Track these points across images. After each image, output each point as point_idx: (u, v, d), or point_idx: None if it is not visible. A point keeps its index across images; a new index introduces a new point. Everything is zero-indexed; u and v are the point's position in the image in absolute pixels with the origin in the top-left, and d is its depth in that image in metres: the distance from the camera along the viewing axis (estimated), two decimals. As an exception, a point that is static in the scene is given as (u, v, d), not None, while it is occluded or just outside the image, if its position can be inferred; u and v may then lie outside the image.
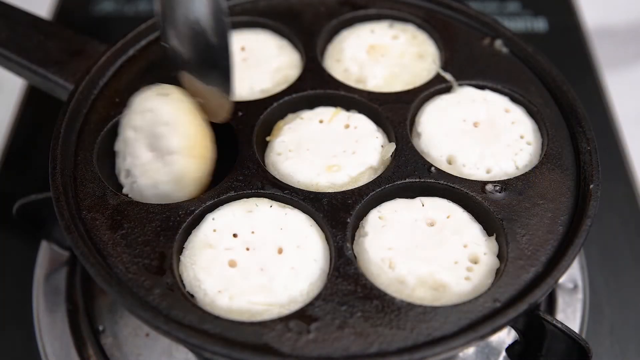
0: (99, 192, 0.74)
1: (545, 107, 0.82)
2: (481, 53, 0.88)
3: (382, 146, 0.79)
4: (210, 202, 0.73)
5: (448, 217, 0.73)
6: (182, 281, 0.69)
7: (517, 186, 0.74)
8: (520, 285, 0.67)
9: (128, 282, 0.67)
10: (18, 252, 0.98)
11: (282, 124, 0.82)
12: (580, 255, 0.95)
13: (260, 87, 0.86)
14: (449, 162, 0.78)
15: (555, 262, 0.68)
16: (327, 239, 0.71)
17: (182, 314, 0.64)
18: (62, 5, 1.35)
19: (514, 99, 0.84)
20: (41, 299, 0.90)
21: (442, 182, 0.75)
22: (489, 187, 0.74)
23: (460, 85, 0.85)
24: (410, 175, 0.75)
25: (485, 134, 0.80)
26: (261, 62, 0.89)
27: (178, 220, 0.71)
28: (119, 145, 0.77)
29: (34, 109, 1.17)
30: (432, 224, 0.73)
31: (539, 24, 1.32)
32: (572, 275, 0.92)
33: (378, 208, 0.74)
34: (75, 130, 0.79)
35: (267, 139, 0.81)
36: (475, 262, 0.70)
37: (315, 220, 0.73)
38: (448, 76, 0.85)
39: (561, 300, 0.90)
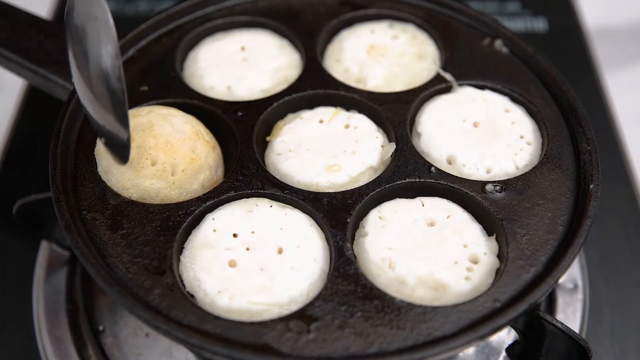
0: (99, 192, 0.74)
1: (545, 107, 0.82)
2: (481, 53, 0.88)
3: (382, 146, 0.79)
4: (210, 202, 0.73)
5: (448, 217, 0.73)
6: (182, 281, 0.69)
7: (517, 186, 0.74)
8: (520, 285, 0.67)
9: (128, 282, 0.67)
10: (18, 252, 0.98)
11: (282, 124, 0.82)
12: (580, 255, 0.95)
13: (260, 87, 0.86)
14: (449, 162, 0.78)
15: (555, 262, 0.68)
16: (327, 239, 0.71)
17: (182, 314, 0.64)
18: (62, 5, 1.35)
19: (514, 99, 0.84)
20: (41, 299, 0.90)
21: (442, 182, 0.75)
22: (489, 187, 0.74)
23: (460, 85, 0.85)
24: (410, 175, 0.75)
25: (485, 134, 0.80)
26: (261, 62, 0.89)
27: (178, 220, 0.71)
28: None
29: (34, 109, 1.17)
30: (432, 224, 0.73)
31: (539, 24, 1.32)
32: (572, 275, 0.92)
33: (378, 208, 0.74)
34: (75, 130, 0.79)
35: (267, 139, 0.81)
36: (475, 262, 0.70)
37: (315, 220, 0.73)
38: (448, 76, 0.85)
39: (561, 300, 0.90)
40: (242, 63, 0.89)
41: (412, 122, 0.82)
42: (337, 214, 0.72)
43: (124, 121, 0.65)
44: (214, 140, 0.79)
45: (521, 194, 0.74)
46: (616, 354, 0.90)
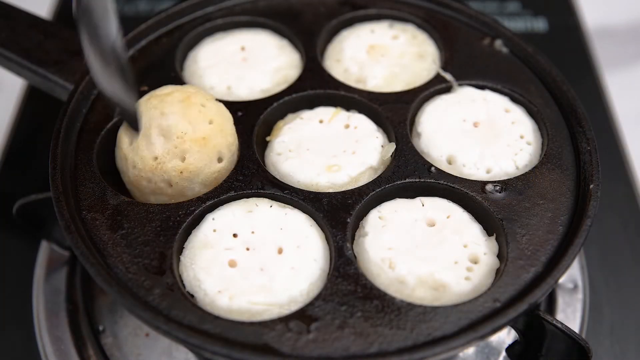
0: (99, 192, 0.74)
1: (545, 107, 0.82)
2: (481, 53, 0.88)
3: (382, 146, 0.79)
4: (210, 202, 0.73)
5: (448, 217, 0.73)
6: (182, 281, 0.69)
7: (517, 186, 0.74)
8: (520, 285, 0.67)
9: (128, 282, 0.67)
10: (18, 252, 0.98)
11: (282, 124, 0.82)
12: (580, 255, 0.95)
13: (260, 87, 0.86)
14: (449, 162, 0.78)
15: (555, 262, 0.68)
16: (327, 239, 0.71)
17: (182, 314, 0.64)
18: (62, 5, 1.35)
19: (514, 99, 0.84)
20: (41, 299, 0.90)
21: (442, 182, 0.75)
22: (489, 187, 0.74)
23: (460, 85, 0.85)
24: (410, 175, 0.75)
25: (485, 134, 0.80)
26: (261, 62, 0.89)
27: (178, 220, 0.71)
28: None
29: (34, 109, 1.17)
30: (432, 224, 0.73)
31: (539, 24, 1.32)
32: (572, 275, 0.92)
33: (378, 208, 0.74)
34: (75, 130, 0.79)
35: (267, 139, 0.81)
36: (475, 262, 0.70)
37: (315, 220, 0.73)
38: (448, 76, 0.85)
39: (561, 300, 0.90)
40: (242, 63, 0.89)
41: (412, 122, 0.82)
42: (337, 214, 0.72)
43: (132, 91, 0.68)
44: (211, 129, 0.75)
45: (521, 194, 0.74)
46: (616, 354, 0.90)
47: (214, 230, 0.71)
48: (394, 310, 0.65)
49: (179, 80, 0.85)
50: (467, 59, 0.87)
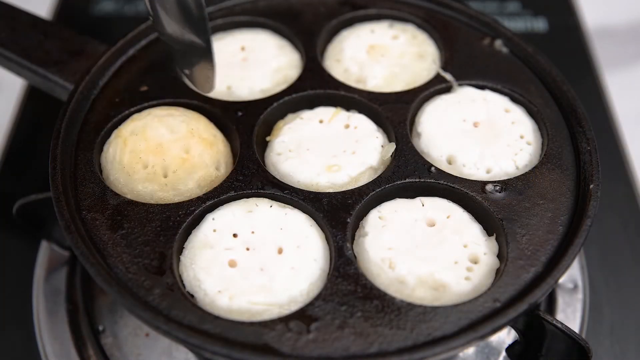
0: (99, 192, 0.74)
1: (545, 107, 0.82)
2: (481, 53, 0.88)
3: (382, 146, 0.79)
4: (210, 202, 0.73)
5: (448, 217, 0.73)
6: (182, 281, 0.69)
7: (517, 186, 0.74)
8: (520, 285, 0.67)
9: (128, 282, 0.67)
10: (18, 252, 0.98)
11: (282, 124, 0.82)
12: (580, 255, 0.95)
13: (260, 87, 0.86)
14: (449, 162, 0.78)
15: (555, 262, 0.68)
16: (327, 239, 0.71)
17: (182, 314, 0.64)
18: (62, 5, 1.35)
19: (514, 99, 0.84)
20: (41, 299, 0.90)
21: (442, 182, 0.75)
22: (489, 187, 0.74)
23: (460, 85, 0.85)
24: (410, 175, 0.75)
25: (485, 134, 0.80)
26: (261, 62, 0.89)
27: (178, 220, 0.71)
28: None
29: (34, 109, 1.17)
30: (432, 224, 0.73)
31: (539, 24, 1.32)
32: (572, 275, 0.92)
33: (378, 208, 0.74)
34: (75, 130, 0.79)
35: (267, 139, 0.81)
36: (475, 262, 0.70)
37: (315, 220, 0.73)
38: (448, 76, 0.85)
39: (561, 300, 0.90)
40: (242, 63, 0.89)
41: (412, 122, 0.82)
42: (337, 214, 0.72)
43: (208, 40, 0.76)
44: (215, 137, 0.79)
45: (521, 194, 0.74)
46: (616, 354, 0.90)
47: (214, 230, 0.71)
48: (394, 310, 0.65)
49: (179, 81, 0.85)
50: (467, 59, 0.87)
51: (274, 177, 0.75)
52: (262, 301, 0.66)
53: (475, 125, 0.81)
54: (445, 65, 0.86)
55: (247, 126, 0.80)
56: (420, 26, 0.92)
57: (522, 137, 0.80)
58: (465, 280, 0.68)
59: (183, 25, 0.76)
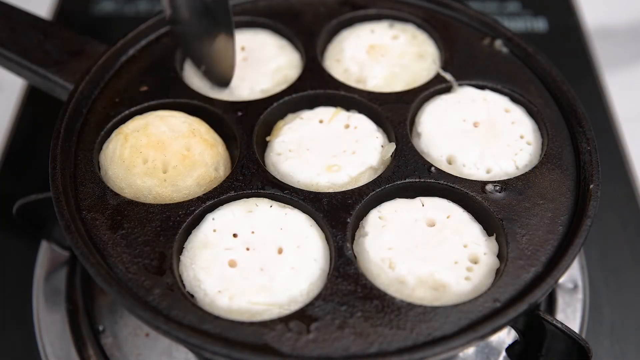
0: (99, 192, 0.74)
1: (545, 107, 0.82)
2: (481, 53, 0.88)
3: (382, 146, 0.79)
4: (210, 202, 0.73)
5: (448, 217, 0.73)
6: (182, 281, 0.69)
7: (517, 186, 0.74)
8: (520, 285, 0.67)
9: (128, 282, 0.67)
10: (18, 252, 0.98)
11: (282, 124, 0.82)
12: (580, 255, 0.95)
13: (260, 87, 0.86)
14: (449, 162, 0.78)
15: (555, 262, 0.68)
16: (327, 239, 0.71)
17: (182, 314, 0.64)
18: (62, 5, 1.35)
19: (514, 99, 0.84)
20: (41, 299, 0.90)
21: (442, 182, 0.75)
22: (489, 187, 0.74)
23: (460, 85, 0.85)
24: (410, 175, 0.75)
25: (485, 134, 0.80)
26: (261, 62, 0.89)
27: (178, 220, 0.71)
28: None
29: (34, 109, 1.17)
30: (432, 224, 0.73)
31: (539, 24, 1.32)
32: (572, 275, 0.92)
33: (378, 208, 0.74)
34: (75, 130, 0.79)
35: (267, 139, 0.81)
36: (475, 262, 0.70)
37: (315, 220, 0.73)
38: (448, 76, 0.85)
39: (561, 300, 0.90)
40: (242, 63, 0.89)
41: (412, 122, 0.82)
42: (337, 214, 0.72)
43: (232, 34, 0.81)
44: (215, 140, 0.79)
45: (521, 194, 0.74)
46: (616, 354, 0.90)
47: (214, 230, 0.71)
48: (394, 310, 0.65)
49: (179, 81, 0.85)
50: (467, 59, 0.87)
51: (274, 177, 0.75)
52: (262, 301, 0.66)
53: (475, 125, 0.81)
54: (445, 65, 0.86)
55: (247, 126, 0.80)
56: (420, 26, 0.92)
57: (522, 137, 0.80)
58: (465, 280, 0.68)
59: (202, 5, 0.78)
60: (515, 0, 1.37)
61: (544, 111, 0.82)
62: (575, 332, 0.67)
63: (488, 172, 0.77)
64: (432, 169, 0.76)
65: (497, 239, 0.72)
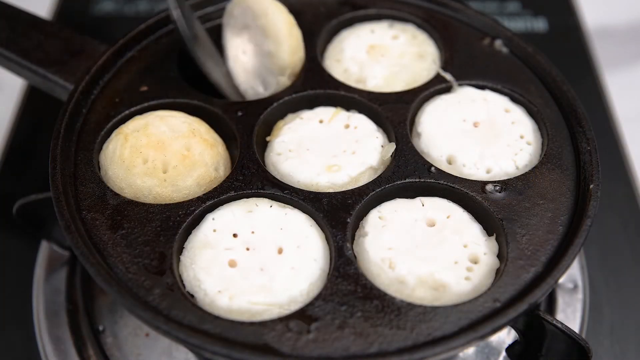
0: (99, 192, 0.74)
1: (545, 107, 0.82)
2: (481, 53, 0.88)
3: (382, 146, 0.79)
4: (210, 202, 0.73)
5: (448, 217, 0.73)
6: (182, 281, 0.69)
7: (517, 186, 0.74)
8: (520, 285, 0.67)
9: (128, 282, 0.67)
10: (18, 252, 0.98)
11: (282, 124, 0.82)
12: (580, 255, 0.95)
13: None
14: (449, 162, 0.78)
15: (555, 262, 0.68)
16: (327, 239, 0.71)
17: (182, 314, 0.64)
18: (62, 5, 1.35)
19: (514, 99, 0.84)
20: (41, 299, 0.90)
21: (442, 182, 0.75)
22: (489, 187, 0.74)
23: (460, 85, 0.85)
24: (410, 175, 0.75)
25: (485, 134, 0.80)
26: (261, 62, 0.89)
27: (178, 220, 0.71)
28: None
29: (34, 109, 1.17)
30: (432, 224, 0.73)
31: (539, 24, 1.33)
32: (572, 275, 0.92)
33: (378, 208, 0.74)
34: (75, 130, 0.79)
35: (267, 139, 0.81)
36: (475, 262, 0.70)
37: (315, 220, 0.73)
38: (448, 76, 0.85)
39: (561, 300, 0.90)
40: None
41: (412, 122, 0.82)
42: (337, 214, 0.72)
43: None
44: (215, 140, 0.79)
45: (521, 194, 0.74)
46: (616, 354, 0.90)
47: (214, 230, 0.71)
48: (394, 310, 0.65)
49: (179, 81, 0.85)
50: (467, 59, 0.87)
51: (274, 177, 0.75)
52: (262, 301, 0.66)
53: (475, 125, 0.81)
54: (445, 65, 0.86)
55: (247, 126, 0.80)
56: (420, 26, 0.92)
57: (522, 137, 0.80)
58: (465, 280, 0.68)
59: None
60: (515, 0, 1.37)
61: (544, 111, 0.82)
62: (575, 332, 0.67)
63: (488, 172, 0.77)
64: (432, 169, 0.76)
65: (497, 239, 0.72)
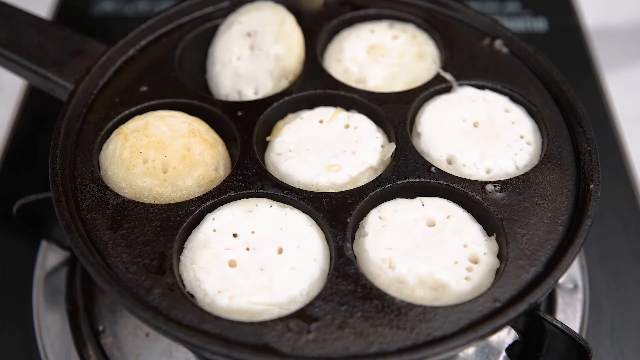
0: (99, 192, 0.74)
1: (545, 107, 0.82)
2: (481, 53, 0.88)
3: (382, 146, 0.79)
4: (210, 202, 0.73)
5: (448, 217, 0.73)
6: (182, 281, 0.69)
7: (517, 186, 0.74)
8: (520, 285, 0.67)
9: (128, 282, 0.67)
10: (18, 252, 0.98)
11: (282, 124, 0.82)
12: (580, 255, 0.95)
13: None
14: (449, 162, 0.78)
15: (555, 262, 0.68)
16: (327, 239, 0.71)
17: (182, 314, 0.64)
18: (62, 5, 1.35)
19: (514, 99, 0.84)
20: (41, 299, 0.90)
21: (442, 182, 0.75)
22: (489, 187, 0.74)
23: (460, 85, 0.85)
24: (410, 175, 0.75)
25: (485, 134, 0.80)
26: (261, 62, 0.89)
27: (178, 220, 0.71)
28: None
29: (34, 109, 1.17)
30: (432, 224, 0.73)
31: (539, 24, 1.32)
32: (572, 275, 0.92)
33: (378, 208, 0.74)
34: (75, 130, 0.79)
35: (267, 139, 0.81)
36: (475, 262, 0.70)
37: (315, 220, 0.73)
38: (448, 76, 0.85)
39: (561, 300, 0.90)
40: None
41: (412, 122, 0.82)
42: (337, 214, 0.72)
43: None
44: (215, 140, 0.79)
45: (521, 194, 0.74)
46: (616, 354, 0.90)
47: (214, 230, 0.71)
48: (394, 310, 0.65)
49: (179, 81, 0.85)
50: (467, 59, 0.87)
51: (274, 177, 0.75)
52: (262, 301, 0.66)
53: (475, 125, 0.81)
54: (445, 65, 0.86)
55: (247, 126, 0.80)
56: (420, 26, 0.92)
57: (522, 137, 0.80)
58: (465, 280, 0.68)
59: None
60: (515, 0, 1.37)
61: (544, 111, 0.82)
62: (575, 332, 0.67)
63: (488, 172, 0.77)
64: (432, 169, 0.76)
65: (497, 239, 0.72)
